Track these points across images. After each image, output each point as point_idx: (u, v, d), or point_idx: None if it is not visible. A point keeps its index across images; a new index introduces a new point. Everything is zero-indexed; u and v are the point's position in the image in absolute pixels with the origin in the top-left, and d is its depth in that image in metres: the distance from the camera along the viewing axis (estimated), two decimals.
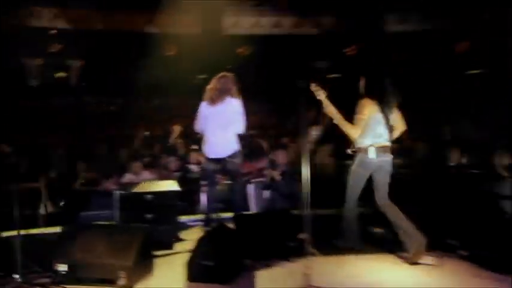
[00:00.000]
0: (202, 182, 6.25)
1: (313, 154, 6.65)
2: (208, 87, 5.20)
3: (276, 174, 6.67)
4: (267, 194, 6.71)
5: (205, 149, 5.24)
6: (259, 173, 6.97)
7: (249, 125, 5.37)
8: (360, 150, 4.33)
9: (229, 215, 5.36)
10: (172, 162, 7.20)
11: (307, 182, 3.71)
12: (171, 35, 12.97)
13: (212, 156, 5.18)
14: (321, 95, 4.31)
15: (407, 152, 7.02)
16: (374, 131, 4.26)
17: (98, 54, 13.40)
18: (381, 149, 4.27)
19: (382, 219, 4.38)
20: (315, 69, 12.83)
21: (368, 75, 4.42)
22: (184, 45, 12.92)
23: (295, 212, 4.67)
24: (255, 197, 6.73)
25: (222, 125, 5.07)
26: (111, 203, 5.28)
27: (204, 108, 5.18)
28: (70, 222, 5.25)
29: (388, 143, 4.32)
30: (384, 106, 4.27)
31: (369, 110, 4.25)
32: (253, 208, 6.63)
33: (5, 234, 4.32)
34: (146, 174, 6.80)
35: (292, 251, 4.32)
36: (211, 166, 5.26)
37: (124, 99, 13.74)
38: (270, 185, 6.72)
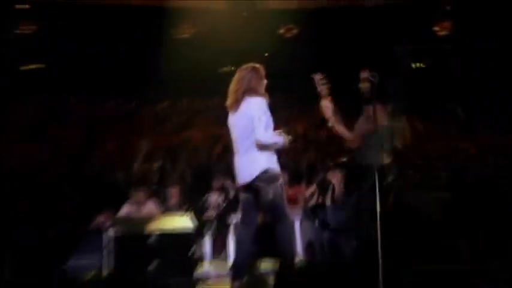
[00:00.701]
0: (231, 218, 6.25)
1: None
2: (231, 86, 5.09)
3: (328, 201, 6.59)
4: (314, 229, 6.67)
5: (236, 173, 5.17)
6: (308, 201, 6.89)
7: (293, 135, 5.28)
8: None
9: (270, 265, 5.31)
10: (174, 194, 7.11)
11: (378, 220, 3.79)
12: (188, 10, 13.10)
13: (239, 182, 5.10)
14: (324, 89, 4.80)
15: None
16: (377, 142, 4.63)
17: (89, 36, 13.62)
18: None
19: None
20: (391, 55, 12.68)
21: (377, 75, 4.69)
22: (205, 25, 13.00)
23: (364, 263, 4.59)
24: (300, 235, 6.64)
25: (243, 136, 4.90)
26: (102, 246, 5.33)
27: (229, 116, 5.11)
28: (44, 275, 5.18)
29: (390, 157, 4.75)
30: (393, 114, 4.66)
31: (374, 118, 4.51)
32: (299, 251, 6.50)
33: None
34: (151, 205, 6.77)
35: None
36: (242, 195, 5.17)
37: (122, 100, 13.93)
38: (318, 213, 6.66)
